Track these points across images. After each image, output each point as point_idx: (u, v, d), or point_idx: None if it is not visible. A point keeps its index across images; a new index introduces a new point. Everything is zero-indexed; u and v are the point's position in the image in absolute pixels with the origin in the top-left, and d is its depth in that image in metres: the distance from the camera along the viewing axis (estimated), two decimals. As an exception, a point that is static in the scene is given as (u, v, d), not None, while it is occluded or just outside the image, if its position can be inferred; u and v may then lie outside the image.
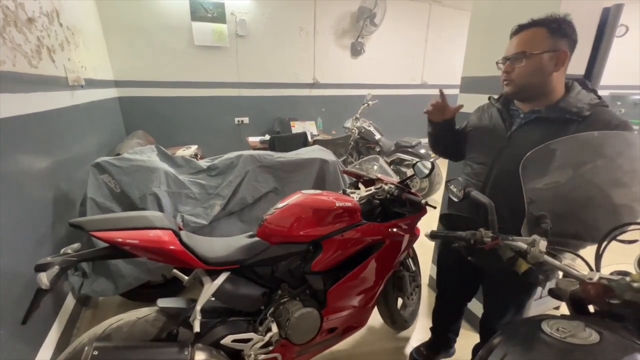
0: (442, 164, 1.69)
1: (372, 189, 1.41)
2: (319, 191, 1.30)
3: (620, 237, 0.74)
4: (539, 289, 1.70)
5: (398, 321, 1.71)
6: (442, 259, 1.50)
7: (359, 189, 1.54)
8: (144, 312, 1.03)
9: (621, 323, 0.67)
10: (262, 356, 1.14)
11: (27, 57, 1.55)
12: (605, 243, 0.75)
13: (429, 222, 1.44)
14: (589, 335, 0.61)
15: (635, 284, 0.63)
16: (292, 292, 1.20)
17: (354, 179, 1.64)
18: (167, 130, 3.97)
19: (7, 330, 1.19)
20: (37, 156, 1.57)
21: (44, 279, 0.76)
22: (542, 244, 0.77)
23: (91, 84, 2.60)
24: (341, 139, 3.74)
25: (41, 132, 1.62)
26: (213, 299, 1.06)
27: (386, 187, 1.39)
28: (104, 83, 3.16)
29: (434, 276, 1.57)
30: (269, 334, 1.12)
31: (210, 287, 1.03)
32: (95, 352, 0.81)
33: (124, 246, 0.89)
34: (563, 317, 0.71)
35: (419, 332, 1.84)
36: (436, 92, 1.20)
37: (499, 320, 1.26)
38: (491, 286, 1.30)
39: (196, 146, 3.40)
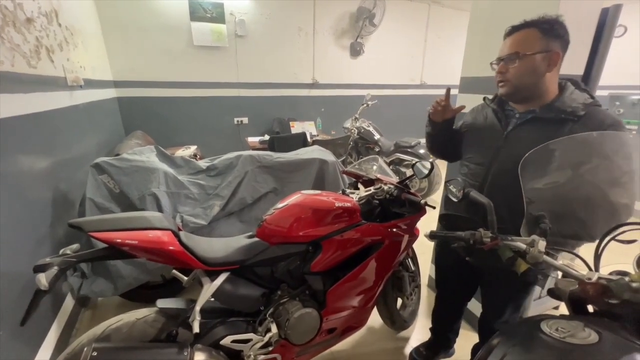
0: (442, 165, 1.69)
1: (372, 189, 1.41)
2: (318, 191, 1.30)
3: (619, 237, 0.75)
4: (538, 288, 1.70)
5: (397, 321, 1.71)
6: (440, 259, 1.50)
7: (358, 189, 1.54)
8: (143, 312, 1.03)
9: (620, 323, 0.67)
10: (262, 357, 1.14)
11: (26, 57, 1.55)
12: (604, 243, 0.75)
13: (428, 222, 1.44)
14: (588, 335, 0.61)
15: (634, 284, 0.63)
16: (292, 293, 1.19)
17: (354, 179, 1.65)
18: (166, 130, 3.96)
19: (6, 331, 1.18)
20: (36, 157, 1.57)
21: (43, 279, 0.76)
22: (541, 244, 0.77)
23: (90, 84, 2.59)
24: (340, 139, 3.74)
25: (40, 133, 1.61)
26: (212, 299, 1.06)
27: (385, 188, 1.39)
28: (103, 83, 3.15)
29: (434, 276, 1.57)
30: (269, 335, 1.12)
31: (209, 288, 1.03)
32: (95, 353, 0.81)
33: (123, 247, 0.89)
34: (562, 317, 0.71)
35: (419, 332, 1.84)
36: (436, 92, 1.20)
37: (497, 319, 1.27)
38: (489, 286, 1.31)
39: (195, 146, 3.39)
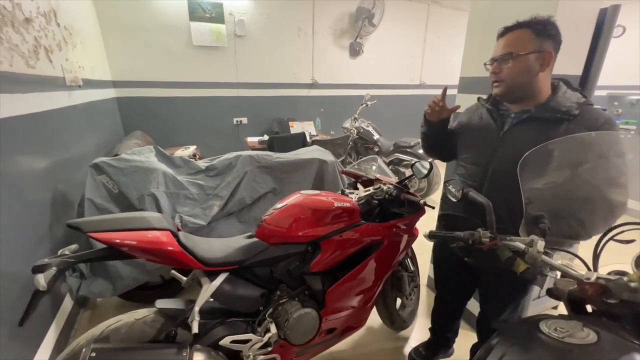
0: (441, 165, 1.69)
1: (371, 189, 1.41)
2: (317, 191, 1.30)
3: (617, 237, 0.75)
4: (537, 288, 1.71)
5: (397, 321, 1.71)
6: (439, 259, 1.50)
7: (357, 189, 1.54)
8: (142, 313, 1.03)
9: (619, 323, 0.67)
10: (261, 357, 1.14)
11: (25, 57, 1.55)
12: (602, 243, 0.76)
13: (427, 222, 1.44)
14: (587, 335, 0.61)
15: (632, 284, 0.63)
16: (291, 293, 1.19)
17: (353, 179, 1.65)
18: (166, 130, 3.96)
19: (4, 332, 1.18)
20: (35, 157, 1.57)
21: (41, 280, 0.76)
22: (540, 244, 0.77)
23: (89, 84, 2.59)
24: (340, 139, 3.74)
25: (39, 133, 1.61)
26: (211, 300, 1.06)
27: (385, 188, 1.39)
28: (101, 83, 3.15)
29: (433, 276, 1.57)
30: (268, 335, 1.12)
31: (208, 288, 1.03)
32: (93, 354, 0.81)
33: (122, 247, 0.89)
34: (561, 317, 0.71)
35: (418, 332, 1.84)
36: (435, 92, 1.20)
37: (495, 318, 1.27)
38: (488, 285, 1.31)
39: (195, 147, 3.39)
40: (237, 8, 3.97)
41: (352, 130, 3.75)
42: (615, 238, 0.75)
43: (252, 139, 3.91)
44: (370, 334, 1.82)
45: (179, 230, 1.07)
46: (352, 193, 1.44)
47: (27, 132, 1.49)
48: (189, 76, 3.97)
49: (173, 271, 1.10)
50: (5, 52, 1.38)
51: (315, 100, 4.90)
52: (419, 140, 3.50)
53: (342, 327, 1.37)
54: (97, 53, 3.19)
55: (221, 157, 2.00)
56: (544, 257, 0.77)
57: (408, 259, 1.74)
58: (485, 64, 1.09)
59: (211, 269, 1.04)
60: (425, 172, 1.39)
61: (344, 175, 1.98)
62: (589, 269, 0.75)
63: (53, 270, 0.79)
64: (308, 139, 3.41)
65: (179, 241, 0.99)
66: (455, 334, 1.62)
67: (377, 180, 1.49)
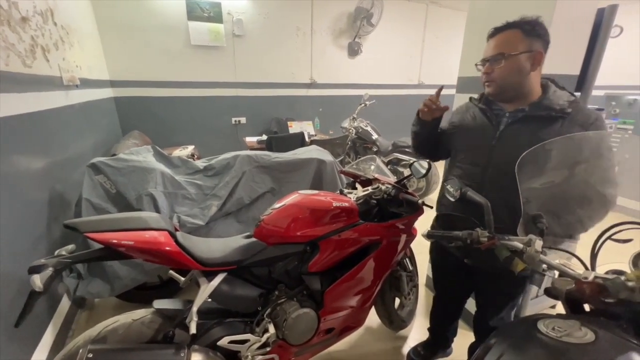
0: (439, 164, 1.69)
1: (369, 189, 1.41)
2: (316, 191, 1.30)
3: (615, 236, 0.75)
4: (535, 288, 1.71)
5: (395, 321, 1.71)
6: (436, 261, 1.50)
7: (356, 189, 1.54)
8: (139, 313, 1.02)
9: (616, 322, 0.67)
10: (259, 357, 1.14)
11: (21, 56, 1.54)
12: (600, 242, 0.76)
13: (426, 222, 1.44)
14: (585, 335, 0.62)
15: (629, 283, 0.63)
16: (289, 293, 1.19)
17: (351, 179, 1.64)
18: (164, 130, 3.94)
19: (1, 333, 1.17)
20: (32, 157, 1.56)
21: (38, 281, 0.76)
22: (538, 244, 0.77)
23: (86, 83, 2.58)
24: (338, 139, 3.74)
25: (35, 133, 1.60)
26: (209, 300, 1.05)
27: (383, 187, 1.39)
28: (99, 83, 3.14)
29: (432, 276, 1.57)
30: (266, 335, 1.12)
31: (206, 288, 1.02)
32: (90, 355, 0.80)
33: (119, 247, 0.89)
34: (559, 316, 0.72)
35: (417, 332, 1.84)
36: (434, 92, 1.20)
37: (493, 316, 1.27)
38: (484, 284, 1.31)
39: (193, 146, 3.38)
40: (236, 7, 3.97)
41: (350, 130, 3.75)
42: (612, 237, 0.75)
43: (251, 139, 3.91)
44: (368, 333, 1.82)
45: (176, 230, 1.07)
46: (350, 193, 1.44)
47: (24, 131, 1.48)
48: (187, 76, 3.96)
49: (171, 271, 1.10)
50: (2, 51, 1.37)
51: (313, 100, 4.90)
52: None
53: (341, 327, 1.37)
54: (94, 52, 3.18)
55: (219, 157, 2.00)
56: (542, 257, 0.77)
57: (406, 259, 1.74)
58: (476, 65, 1.10)
59: (209, 269, 1.04)
60: (424, 171, 1.39)
61: (342, 175, 1.98)
62: (586, 268, 0.75)
63: (49, 271, 0.79)
64: (307, 139, 3.41)
65: (176, 241, 0.99)
66: (454, 334, 1.62)
67: (376, 180, 1.49)
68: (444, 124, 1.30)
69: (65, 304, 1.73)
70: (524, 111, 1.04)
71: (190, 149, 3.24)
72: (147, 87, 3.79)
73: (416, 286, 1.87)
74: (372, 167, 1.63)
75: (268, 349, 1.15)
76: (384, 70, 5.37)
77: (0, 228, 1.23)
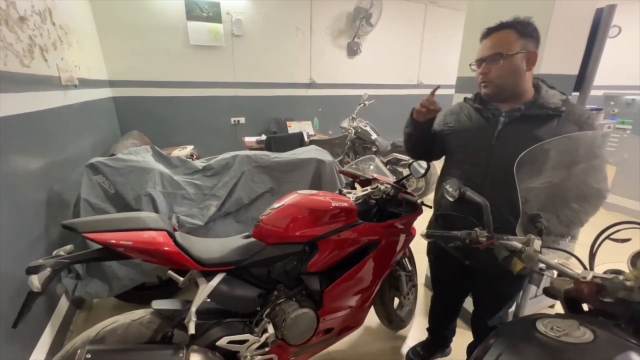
0: (438, 164, 1.70)
1: (369, 189, 1.41)
2: (315, 191, 1.30)
3: (613, 236, 0.75)
4: (534, 287, 1.71)
5: (395, 321, 1.72)
6: (434, 262, 1.50)
7: (355, 189, 1.54)
8: (138, 314, 1.02)
9: (615, 321, 0.67)
10: (258, 357, 1.13)
11: (19, 56, 1.53)
12: (598, 242, 0.76)
13: (425, 221, 1.44)
14: (583, 334, 0.62)
15: (628, 283, 0.63)
16: (288, 293, 1.19)
17: (350, 179, 1.64)
18: (163, 130, 3.93)
19: (-1, 334, 1.17)
20: (30, 157, 1.55)
21: (36, 281, 0.75)
22: (537, 243, 0.77)
23: (85, 83, 2.57)
24: (337, 139, 3.74)
25: (34, 133, 1.60)
26: (208, 300, 1.05)
27: (382, 187, 1.39)
28: (98, 83, 3.13)
29: (430, 276, 1.58)
30: (265, 335, 1.12)
31: (205, 289, 1.02)
32: (89, 355, 0.80)
33: (118, 248, 0.88)
34: (557, 316, 0.72)
35: (416, 332, 1.84)
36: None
37: (491, 315, 1.27)
38: (482, 283, 1.31)
39: (192, 146, 3.38)
40: (235, 7, 3.96)
41: (349, 130, 3.75)
42: (611, 237, 0.76)
43: (250, 139, 3.91)
44: (368, 333, 1.82)
45: (175, 230, 1.07)
46: (349, 193, 1.44)
47: (22, 132, 1.48)
48: (186, 76, 3.95)
49: (170, 272, 1.09)
50: None
51: (313, 100, 4.90)
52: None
53: (340, 327, 1.37)
54: (93, 52, 3.17)
55: (218, 157, 1.99)
56: (541, 256, 0.77)
57: (406, 259, 1.74)
58: (470, 65, 1.10)
59: (208, 269, 1.04)
60: (423, 171, 1.39)
61: (341, 175, 1.98)
62: (585, 268, 0.75)
63: (47, 271, 0.78)
64: (306, 139, 3.41)
65: (175, 241, 0.99)
66: (453, 333, 1.62)
67: (375, 179, 1.49)
68: (436, 125, 1.29)
69: (63, 304, 1.73)
70: (520, 110, 1.05)
71: (189, 149, 3.24)
72: (146, 87, 3.78)
73: (415, 286, 1.87)
74: (371, 167, 1.63)
75: (267, 349, 1.15)
76: (383, 70, 5.37)
77: (-2, 228, 1.22)
